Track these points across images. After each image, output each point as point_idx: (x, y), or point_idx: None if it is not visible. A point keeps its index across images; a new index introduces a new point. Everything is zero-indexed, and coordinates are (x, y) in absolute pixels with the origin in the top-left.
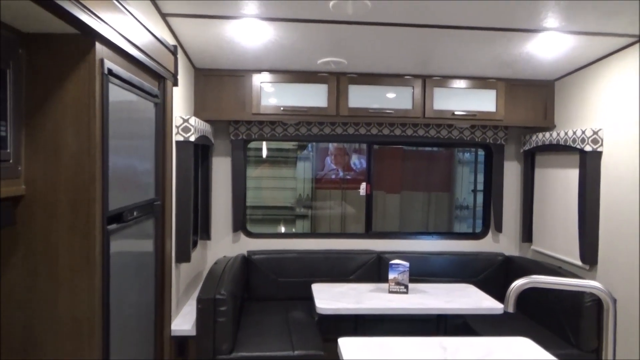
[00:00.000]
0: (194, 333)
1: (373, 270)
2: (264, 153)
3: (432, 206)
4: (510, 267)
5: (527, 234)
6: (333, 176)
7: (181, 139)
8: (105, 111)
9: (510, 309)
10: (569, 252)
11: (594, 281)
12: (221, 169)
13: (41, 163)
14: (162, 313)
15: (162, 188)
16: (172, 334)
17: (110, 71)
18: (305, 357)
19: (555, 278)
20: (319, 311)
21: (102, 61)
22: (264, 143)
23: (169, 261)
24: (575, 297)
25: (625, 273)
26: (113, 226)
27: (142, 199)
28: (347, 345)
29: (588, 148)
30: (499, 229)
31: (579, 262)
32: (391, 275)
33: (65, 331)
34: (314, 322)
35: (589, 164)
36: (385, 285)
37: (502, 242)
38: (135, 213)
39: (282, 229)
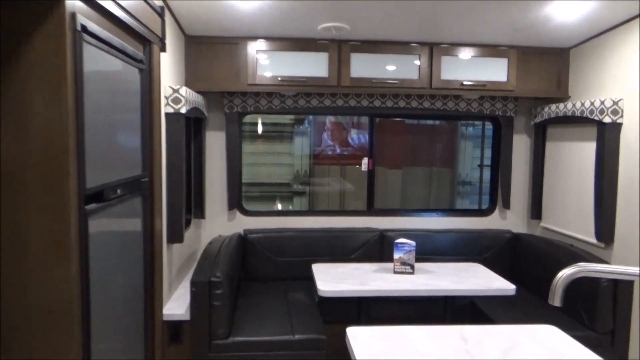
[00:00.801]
0: (188, 317)
1: (375, 249)
2: (260, 128)
3: (434, 182)
4: (518, 245)
5: (536, 211)
6: (330, 152)
7: (171, 110)
8: (80, 74)
9: (557, 303)
10: (582, 229)
11: None
12: (215, 144)
13: (5, 134)
14: (152, 297)
15: (150, 164)
16: (165, 318)
17: (85, 28)
18: (307, 341)
19: (607, 266)
20: (320, 294)
21: (73, 16)
22: (260, 118)
23: (160, 242)
24: (592, 278)
25: None
26: (92, 206)
27: (127, 175)
28: (357, 336)
29: (607, 120)
30: (506, 205)
31: (594, 240)
32: (396, 255)
33: (38, 325)
34: (315, 304)
35: (608, 137)
36: (389, 265)
37: (510, 219)
38: (119, 191)
39: (279, 207)
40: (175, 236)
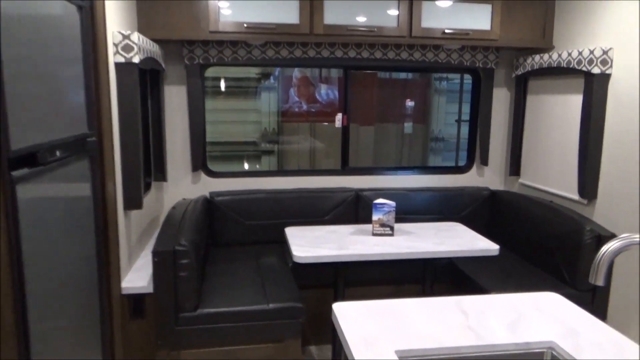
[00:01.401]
0: (151, 290)
1: (351, 209)
2: (223, 83)
3: (407, 139)
4: (496, 202)
5: (514, 167)
6: (297, 109)
7: (122, 60)
8: None
9: (601, 282)
10: (564, 185)
11: None
12: (175, 99)
13: None
14: (108, 268)
15: (97, 120)
16: (124, 292)
17: None
18: (283, 310)
19: None
20: (296, 260)
21: None
22: (223, 72)
23: (113, 208)
24: (574, 235)
25: (626, 207)
26: (22, 171)
27: (68, 134)
28: (345, 313)
29: (596, 70)
30: (484, 162)
31: (575, 196)
32: (375, 216)
33: None
34: (289, 269)
35: (596, 88)
36: (367, 227)
37: (487, 176)
38: (58, 153)
39: (246, 167)
40: (133, 202)
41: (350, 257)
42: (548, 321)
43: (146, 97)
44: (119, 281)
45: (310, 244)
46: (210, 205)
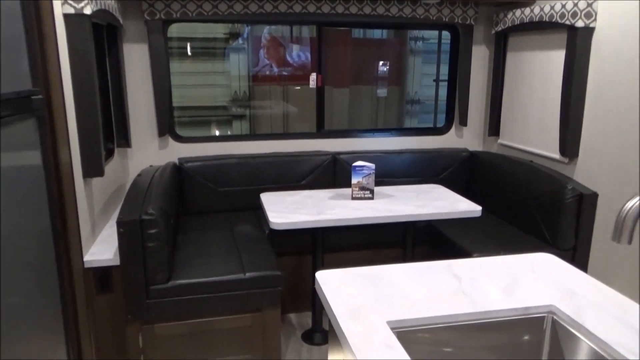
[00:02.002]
0: (117, 262)
1: (328, 173)
2: (189, 45)
3: (382, 102)
4: (475, 164)
5: (494, 127)
6: (267, 72)
7: (71, 11)
8: None
9: (626, 241)
10: (544, 144)
11: None
12: (137, 59)
13: None
14: (66, 241)
15: (43, 76)
16: (87, 265)
17: None
18: (260, 279)
19: None
20: (273, 227)
21: None
22: (190, 32)
23: (69, 176)
24: (555, 194)
25: (608, 165)
26: None
27: (7, 90)
28: (329, 281)
29: (579, 24)
30: (463, 122)
31: (556, 155)
32: (354, 180)
33: None
34: (265, 236)
35: (579, 43)
36: (346, 191)
37: (466, 137)
38: None
39: (217, 132)
40: (93, 168)
41: (329, 222)
42: (545, 284)
43: (104, 57)
44: (80, 254)
45: (287, 209)
46: (179, 172)
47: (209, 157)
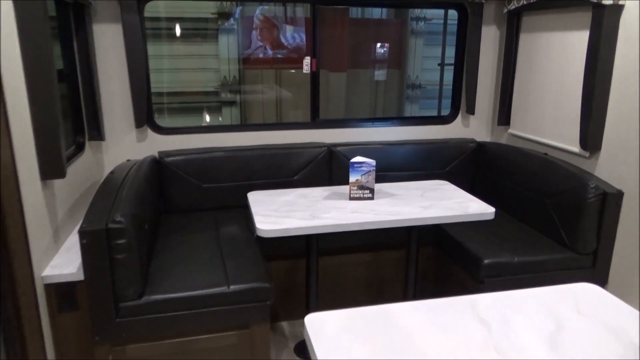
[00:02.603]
0: (82, 277)
1: (323, 167)
2: (175, 25)
3: (381, 86)
4: (483, 155)
5: (504, 116)
6: (261, 55)
7: None
8: None
9: None
10: (561, 135)
11: None
12: (109, 41)
13: None
14: (18, 252)
15: None
16: (47, 281)
17: None
18: (246, 292)
19: None
20: (260, 234)
21: None
22: (175, 12)
23: (10, 180)
24: (575, 192)
25: (634, 160)
26: None
27: None
28: (321, 329)
29: (607, 0)
30: (470, 110)
31: (575, 148)
32: (353, 178)
33: None
34: (253, 239)
35: (607, 23)
36: (343, 189)
37: (473, 127)
38: None
39: (208, 119)
40: (52, 169)
41: (325, 228)
42: (597, 329)
43: (71, 39)
44: (29, 268)
45: (277, 212)
46: (159, 167)
47: (192, 150)
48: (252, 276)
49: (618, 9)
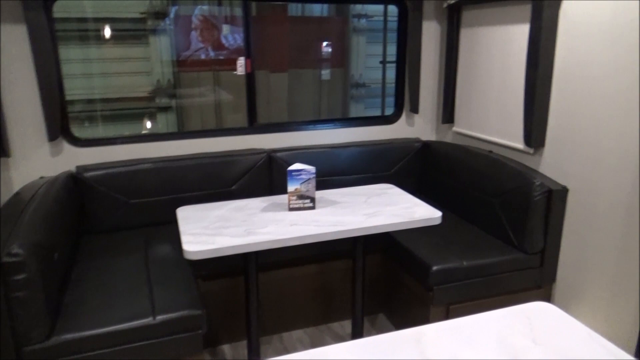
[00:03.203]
0: None
1: (263, 175)
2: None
3: (325, 86)
4: (429, 155)
5: (448, 114)
6: (203, 56)
7: None
8: None
9: None
10: (505, 132)
11: None
12: (12, 44)
13: None
14: None
15: None
16: None
17: None
18: (174, 323)
19: None
20: (187, 256)
21: None
22: (98, 11)
23: None
24: (521, 190)
25: (578, 155)
26: None
27: None
28: None
29: None
30: (414, 109)
31: (519, 145)
32: (291, 187)
33: None
34: (186, 260)
35: (546, 15)
36: (282, 199)
37: (418, 126)
38: None
39: (143, 126)
40: None
41: (261, 244)
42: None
43: None
44: None
45: (208, 229)
46: (77, 183)
47: (116, 162)
48: (181, 303)
49: (557, 1)
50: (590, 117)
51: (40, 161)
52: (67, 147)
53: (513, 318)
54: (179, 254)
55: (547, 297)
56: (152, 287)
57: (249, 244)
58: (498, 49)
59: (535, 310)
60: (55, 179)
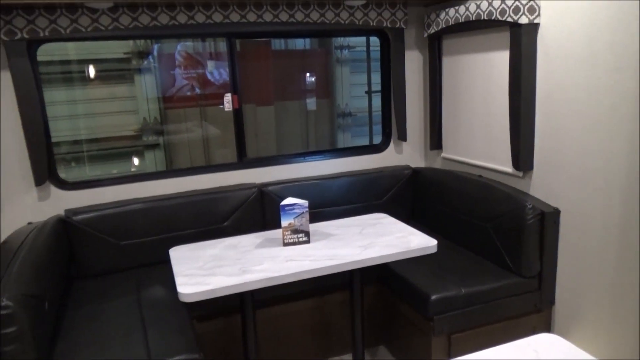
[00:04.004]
0: None
1: (255, 210)
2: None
3: (312, 117)
4: (419, 182)
5: (435, 140)
6: (189, 92)
7: None
8: None
9: None
10: (492, 156)
11: None
12: None
13: None
14: None
15: None
16: None
17: None
18: None
19: None
20: (182, 299)
21: None
22: (83, 53)
23: None
24: (514, 214)
25: (567, 176)
26: None
27: None
28: None
29: (523, 20)
30: (402, 137)
31: (508, 169)
32: (284, 221)
33: None
34: (180, 301)
35: (525, 42)
36: (276, 234)
37: (407, 153)
38: None
39: (131, 164)
40: None
41: (257, 283)
42: None
43: None
44: None
45: (202, 270)
46: (67, 228)
47: (105, 204)
48: (178, 348)
49: (534, 27)
50: (575, 139)
51: (27, 206)
52: (54, 191)
53: (520, 353)
54: (172, 296)
55: (547, 321)
56: (147, 331)
57: (244, 283)
58: (480, 76)
59: (542, 343)
60: (44, 225)
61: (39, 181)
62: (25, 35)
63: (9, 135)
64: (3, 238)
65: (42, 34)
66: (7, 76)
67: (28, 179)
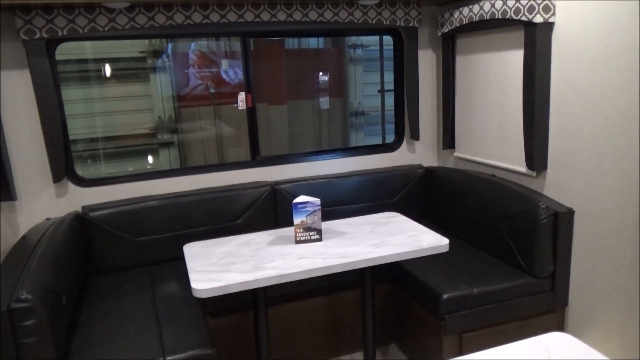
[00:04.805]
0: None
1: (267, 208)
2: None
3: (324, 116)
4: (432, 181)
5: (448, 139)
6: (198, 91)
7: None
8: None
9: None
10: (506, 156)
11: None
12: (16, 88)
13: None
14: None
15: None
16: None
17: None
18: None
19: None
20: (196, 295)
21: None
22: (98, 53)
23: None
24: (527, 214)
25: (581, 176)
26: None
27: None
28: None
29: (538, 19)
30: (415, 136)
31: (521, 168)
32: (297, 219)
33: None
34: (194, 297)
35: (539, 40)
36: (288, 232)
37: (419, 152)
38: None
39: (145, 162)
40: None
41: (269, 280)
42: None
43: None
44: None
45: (215, 266)
46: (83, 224)
47: (121, 201)
48: (191, 343)
49: (549, 26)
50: (589, 138)
51: (45, 203)
52: (72, 188)
53: (531, 351)
54: (186, 292)
55: (561, 321)
56: (161, 327)
57: (257, 280)
58: (494, 75)
59: (552, 342)
60: (62, 221)
61: (56, 178)
62: (45, 35)
63: (28, 132)
64: (22, 233)
65: (60, 34)
66: (26, 75)
67: (46, 175)
